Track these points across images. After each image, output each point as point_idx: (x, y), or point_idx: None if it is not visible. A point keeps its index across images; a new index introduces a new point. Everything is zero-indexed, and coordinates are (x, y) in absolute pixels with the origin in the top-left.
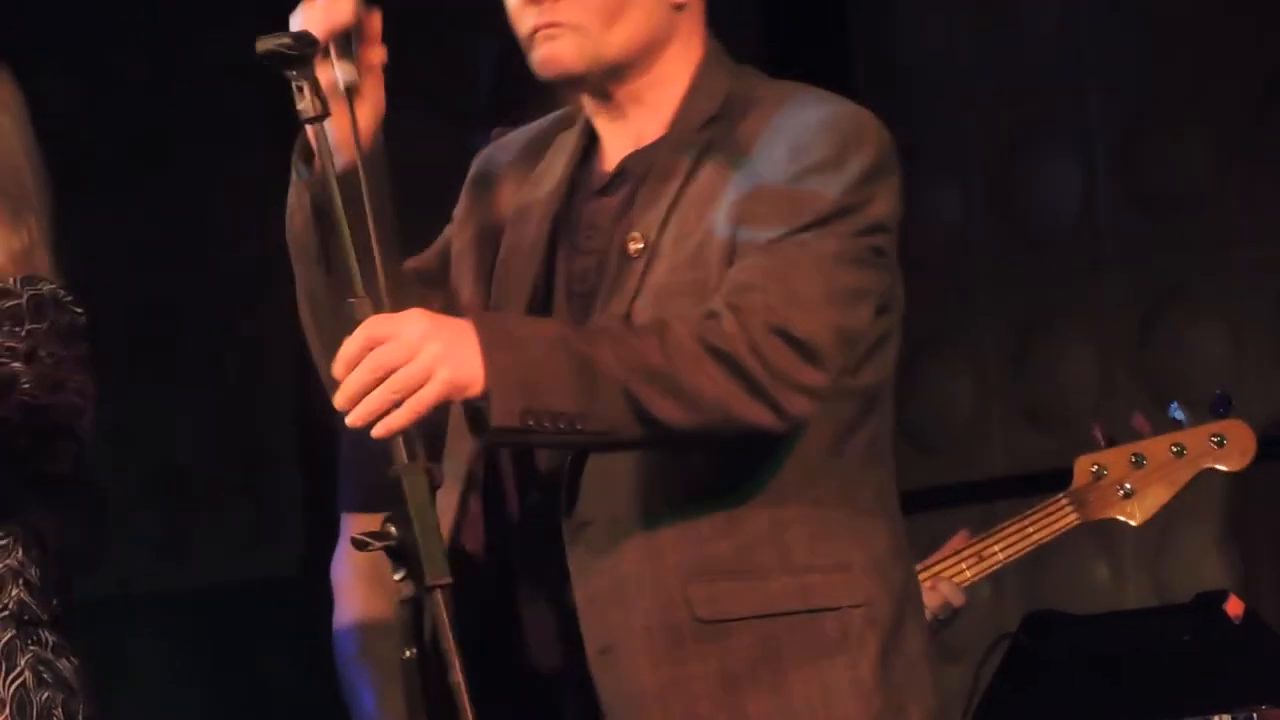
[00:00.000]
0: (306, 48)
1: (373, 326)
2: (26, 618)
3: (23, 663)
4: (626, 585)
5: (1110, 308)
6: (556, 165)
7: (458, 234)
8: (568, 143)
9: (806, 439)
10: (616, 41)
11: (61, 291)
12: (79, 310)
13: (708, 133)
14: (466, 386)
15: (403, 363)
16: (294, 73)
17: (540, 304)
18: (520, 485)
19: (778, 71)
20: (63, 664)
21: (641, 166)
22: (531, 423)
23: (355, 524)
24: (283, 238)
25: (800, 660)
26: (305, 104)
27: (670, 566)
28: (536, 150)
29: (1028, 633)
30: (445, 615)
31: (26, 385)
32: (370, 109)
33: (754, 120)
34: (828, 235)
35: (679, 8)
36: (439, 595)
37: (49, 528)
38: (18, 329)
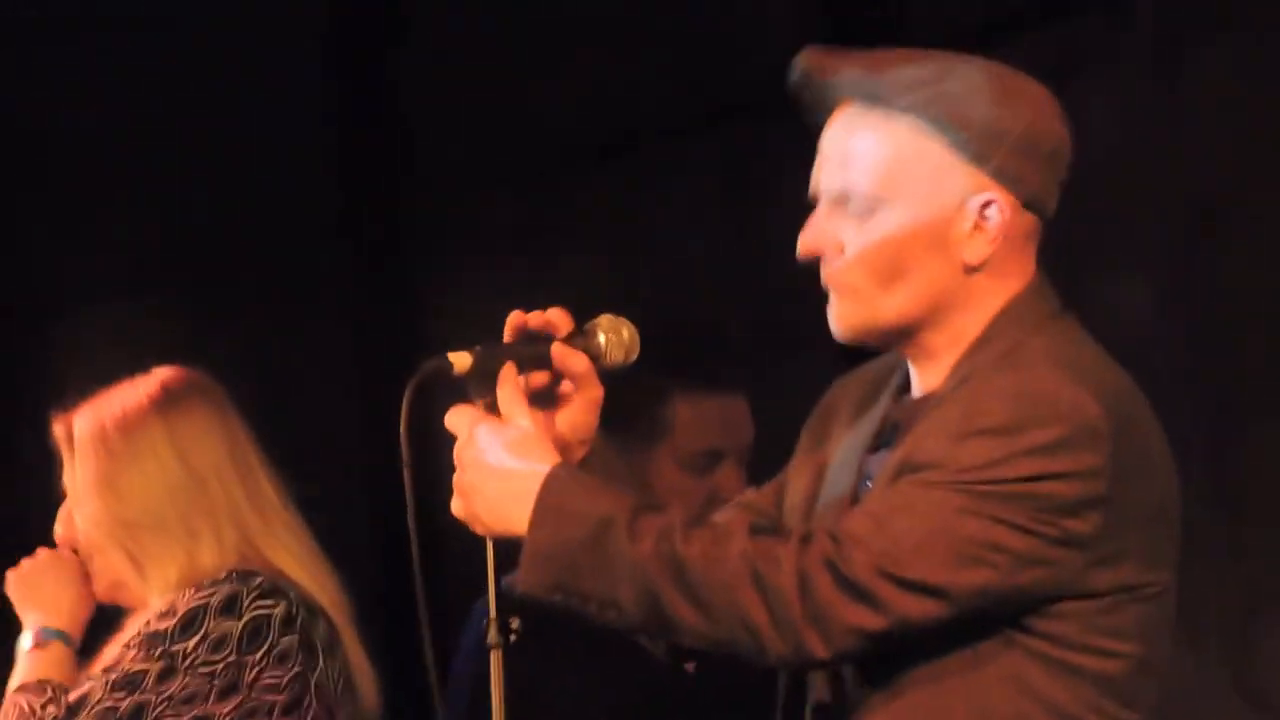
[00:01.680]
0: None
1: (464, 422)
2: None
3: None
4: None
5: None
6: (878, 411)
7: (794, 471)
8: (894, 385)
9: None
10: (894, 305)
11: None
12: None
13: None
14: (502, 534)
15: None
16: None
17: None
18: None
19: None
20: None
21: (908, 419)
22: (558, 597)
23: None
24: None
25: None
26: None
27: None
28: (876, 388)
29: None
30: None
31: None
32: (581, 411)
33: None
34: (961, 490)
35: (973, 269)
36: None
37: None
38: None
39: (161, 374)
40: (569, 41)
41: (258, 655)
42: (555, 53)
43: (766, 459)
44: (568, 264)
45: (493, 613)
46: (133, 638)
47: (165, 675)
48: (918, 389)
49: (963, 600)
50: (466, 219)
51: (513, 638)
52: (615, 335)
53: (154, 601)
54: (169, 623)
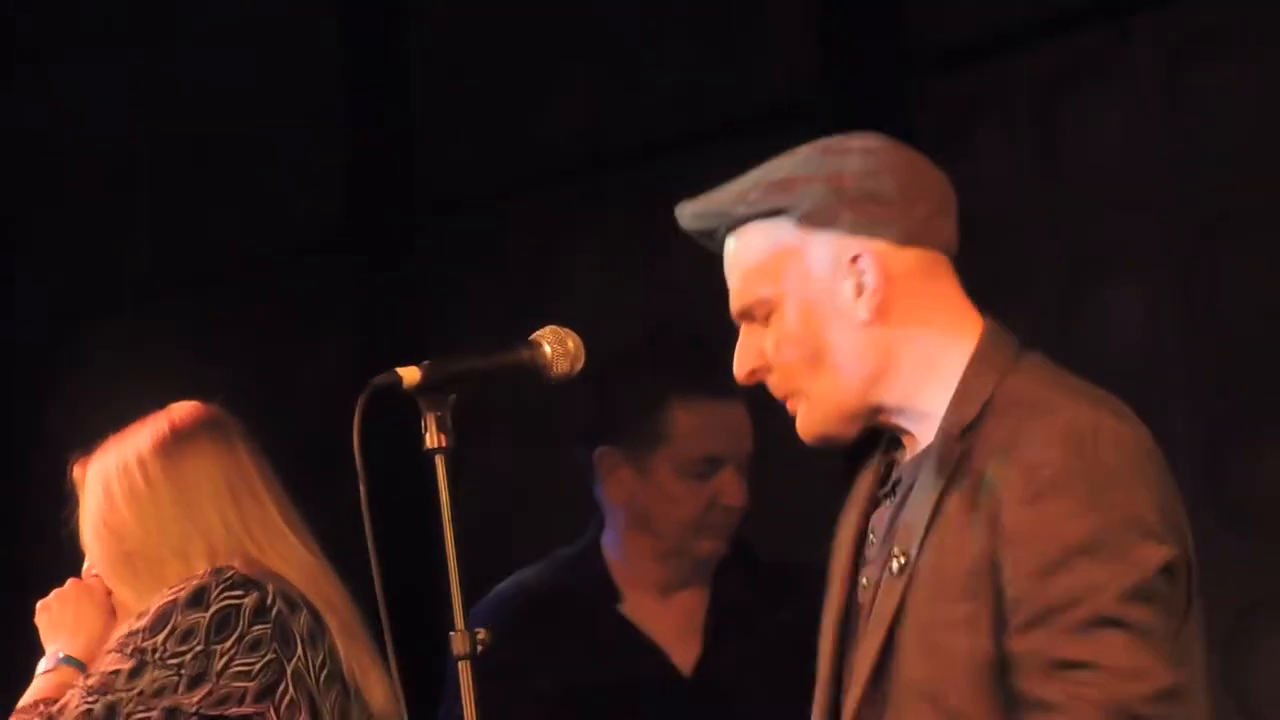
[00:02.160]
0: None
1: None
2: None
3: None
4: None
5: None
6: (870, 467)
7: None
8: (884, 440)
9: None
10: (833, 389)
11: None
12: None
13: (964, 443)
14: None
15: None
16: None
17: (846, 617)
18: None
19: None
20: None
21: (910, 475)
22: None
23: None
24: None
25: None
26: (430, 436)
27: None
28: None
29: None
30: None
31: None
32: None
33: (992, 427)
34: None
35: (877, 323)
36: None
37: None
38: None
39: (172, 412)
40: (581, 50)
41: (227, 644)
42: (567, 61)
43: (766, 465)
44: (575, 274)
45: (459, 624)
46: (110, 642)
47: (135, 672)
48: (913, 449)
49: None
50: (476, 229)
51: (479, 649)
52: (560, 346)
53: None
54: (142, 622)
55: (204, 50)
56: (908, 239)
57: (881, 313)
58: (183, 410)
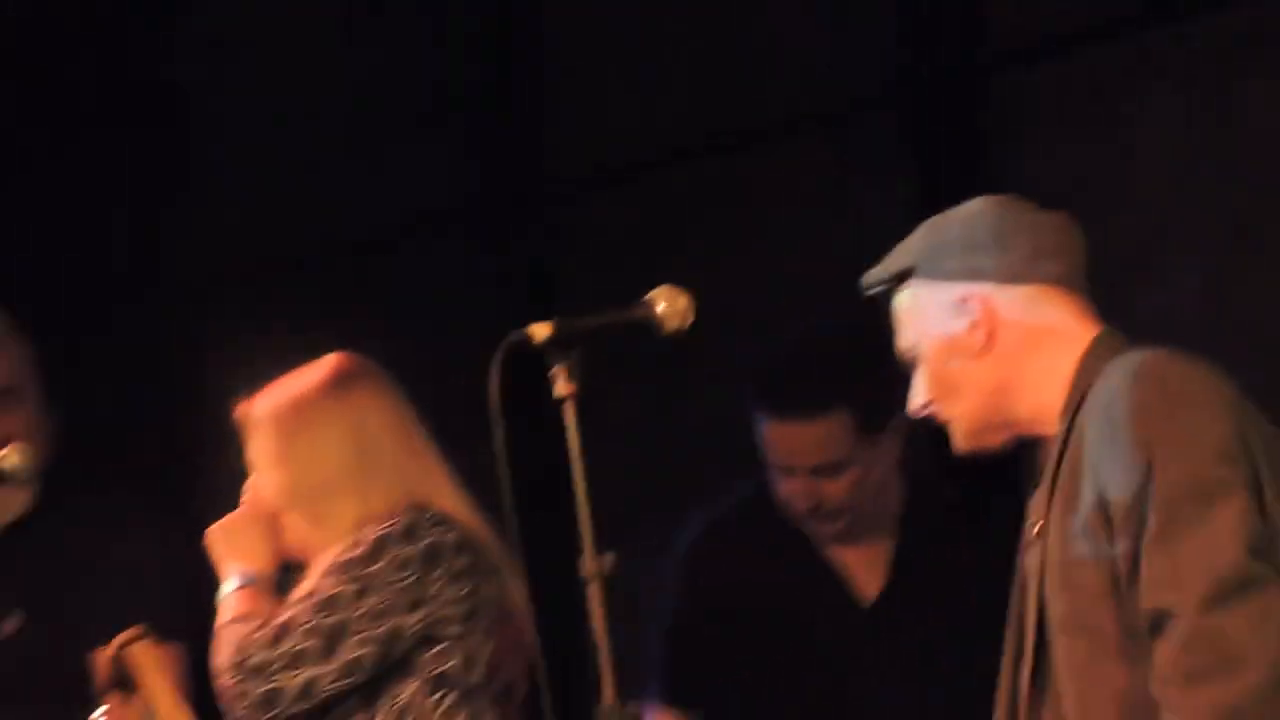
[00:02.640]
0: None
1: None
2: None
3: None
4: None
5: None
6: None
7: None
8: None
9: None
10: (971, 412)
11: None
12: None
13: (1071, 422)
14: None
15: None
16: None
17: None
18: None
19: None
20: None
21: (1042, 460)
22: None
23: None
24: None
25: None
26: (560, 385)
27: None
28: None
29: None
30: None
31: None
32: None
33: (1090, 401)
34: None
35: (993, 352)
36: None
37: None
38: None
39: (331, 359)
40: (687, 34)
41: (436, 574)
42: (675, 45)
43: None
44: (684, 254)
45: (589, 550)
46: (327, 568)
47: (360, 594)
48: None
49: None
50: (592, 211)
51: (607, 572)
52: (672, 304)
53: (335, 547)
54: (358, 551)
55: (334, 26)
56: (1010, 279)
57: (991, 344)
58: (342, 358)
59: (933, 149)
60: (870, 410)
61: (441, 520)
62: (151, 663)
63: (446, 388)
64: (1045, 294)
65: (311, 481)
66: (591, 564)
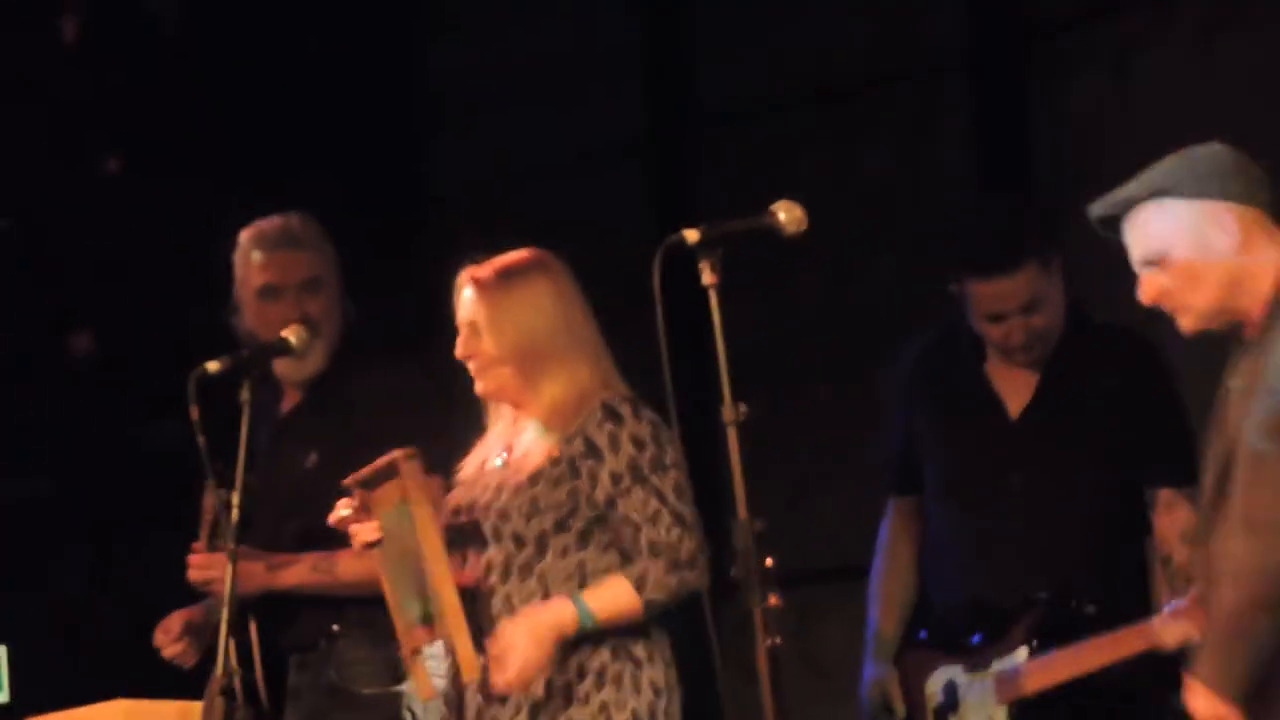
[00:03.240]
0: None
1: None
2: None
3: None
4: None
5: None
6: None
7: None
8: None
9: None
10: (1206, 302)
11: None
12: None
13: (1269, 313)
14: None
15: None
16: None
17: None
18: None
19: None
20: None
21: (1249, 332)
22: None
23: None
24: None
25: None
26: (706, 275)
27: None
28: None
29: None
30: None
31: None
32: None
33: None
34: None
35: (1231, 254)
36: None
37: None
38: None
39: (530, 250)
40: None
41: (664, 442)
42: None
43: None
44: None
45: (726, 397)
46: (622, 471)
47: (669, 470)
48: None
49: None
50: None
51: (742, 419)
52: (790, 215)
53: (540, 409)
54: (603, 439)
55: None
56: (1245, 200)
57: (1235, 248)
58: (540, 251)
59: (990, 103)
60: (1045, 254)
61: (642, 402)
62: (418, 479)
63: (608, 287)
64: (1259, 216)
65: (524, 342)
66: (730, 412)
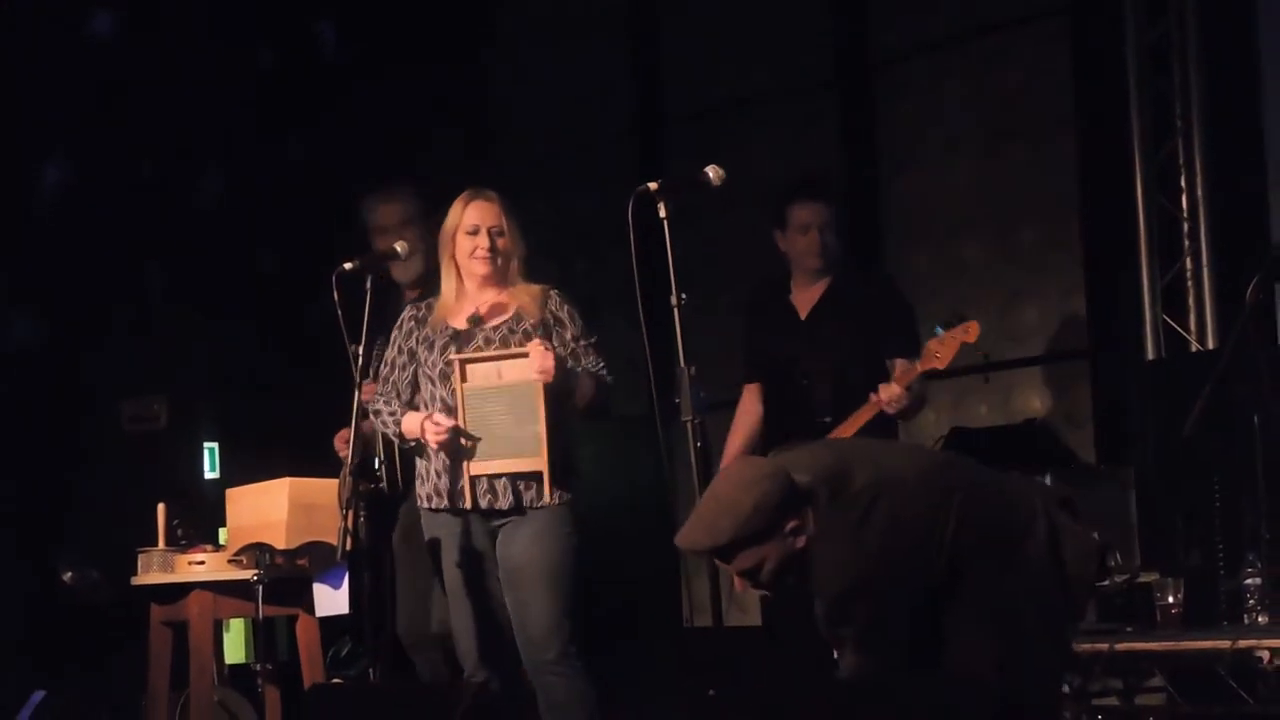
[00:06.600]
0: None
1: None
2: None
3: None
4: None
5: None
6: None
7: None
8: None
9: None
10: None
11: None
12: None
13: None
14: None
15: None
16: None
17: None
18: None
19: None
20: None
21: None
22: None
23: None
24: None
25: None
26: (661, 209)
27: None
28: None
29: None
30: None
31: None
32: None
33: None
34: None
35: None
36: None
37: None
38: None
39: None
40: None
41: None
42: None
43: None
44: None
45: (674, 287)
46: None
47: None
48: None
49: None
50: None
51: (682, 304)
52: (715, 173)
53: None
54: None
55: None
56: None
57: None
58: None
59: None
60: (831, 200)
61: None
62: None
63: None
64: None
65: (520, 253)
66: (676, 299)
